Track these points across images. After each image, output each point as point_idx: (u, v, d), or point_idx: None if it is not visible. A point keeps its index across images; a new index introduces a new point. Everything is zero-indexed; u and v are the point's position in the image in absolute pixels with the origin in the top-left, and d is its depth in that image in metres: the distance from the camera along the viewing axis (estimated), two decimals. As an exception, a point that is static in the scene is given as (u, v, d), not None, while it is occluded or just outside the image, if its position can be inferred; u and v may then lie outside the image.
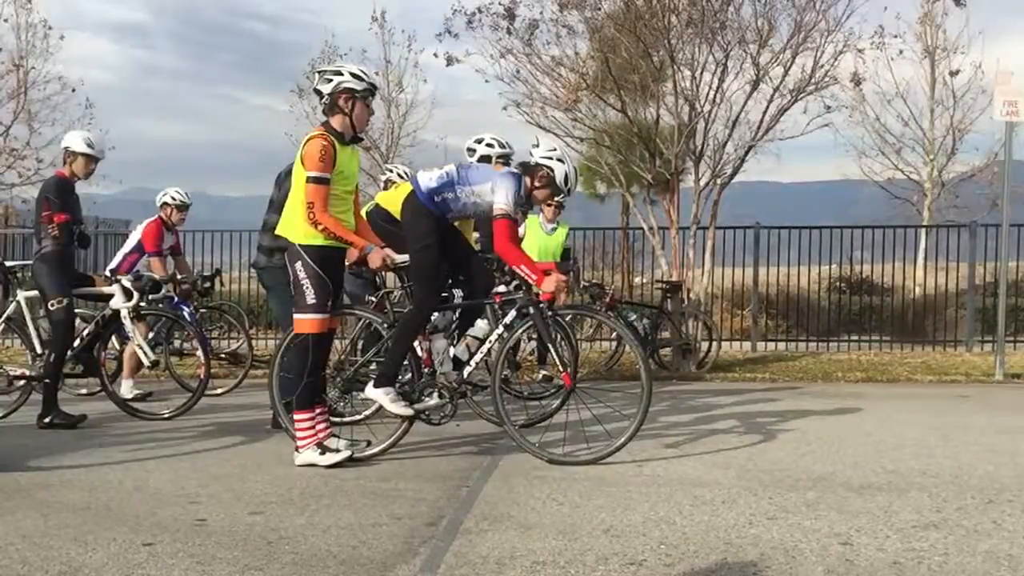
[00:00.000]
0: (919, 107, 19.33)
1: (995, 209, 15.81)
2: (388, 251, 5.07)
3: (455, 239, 5.43)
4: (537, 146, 5.34)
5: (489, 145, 6.60)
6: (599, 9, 11.03)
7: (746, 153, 10.95)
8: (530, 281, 5.10)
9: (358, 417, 5.72)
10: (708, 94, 10.54)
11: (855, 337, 13.01)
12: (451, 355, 5.32)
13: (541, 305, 5.14)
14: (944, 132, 19.11)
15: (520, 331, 5.32)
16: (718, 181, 10.80)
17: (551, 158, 5.23)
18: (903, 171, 19.63)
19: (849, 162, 20.41)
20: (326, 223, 4.87)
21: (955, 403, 7.86)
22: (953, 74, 18.71)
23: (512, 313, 5.24)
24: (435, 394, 5.20)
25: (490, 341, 5.25)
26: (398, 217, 5.46)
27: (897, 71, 18.38)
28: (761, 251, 12.59)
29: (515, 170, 5.33)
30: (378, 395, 5.12)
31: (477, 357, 5.25)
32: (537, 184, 5.25)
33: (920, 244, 16.59)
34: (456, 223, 5.48)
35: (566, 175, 5.23)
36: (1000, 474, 4.79)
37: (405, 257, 5.18)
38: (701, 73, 10.55)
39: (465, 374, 5.24)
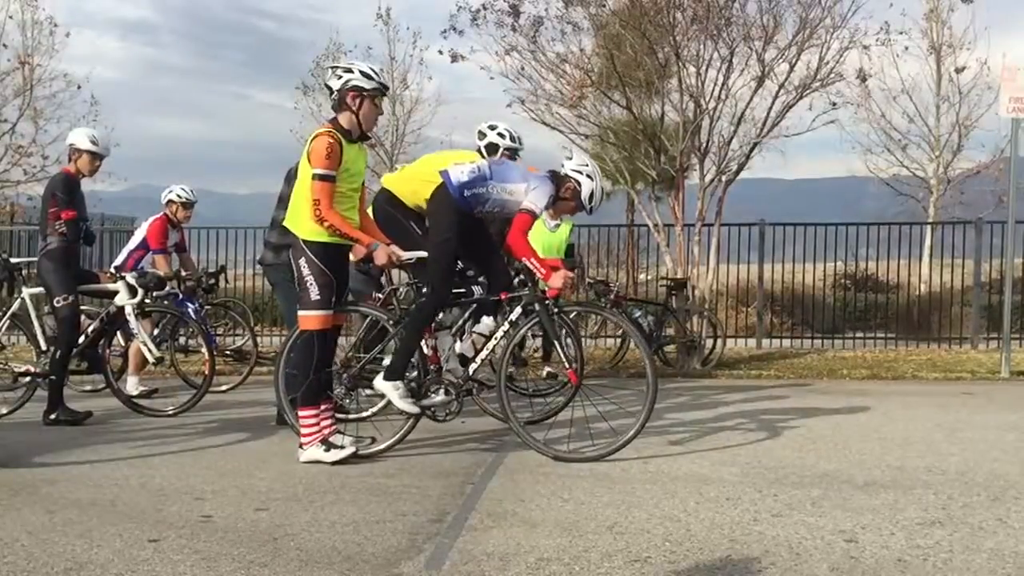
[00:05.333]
0: (925, 103, 19.31)
1: (1001, 206, 15.76)
2: (394, 248, 5.06)
3: (480, 236, 5.42)
4: (570, 158, 5.39)
5: (500, 135, 6.48)
6: (604, 6, 11.01)
7: (751, 150, 10.93)
8: (538, 276, 5.11)
9: (365, 414, 5.73)
10: (713, 91, 10.52)
11: (860, 334, 12.98)
12: (457, 352, 5.33)
13: (547, 302, 5.15)
14: (950, 128, 19.08)
15: (526, 328, 5.32)
16: (723, 178, 10.78)
17: (581, 172, 5.28)
18: (909, 168, 19.61)
19: (854, 159, 20.36)
20: (332, 220, 4.87)
21: (961, 400, 7.84)
22: (959, 70, 18.66)
23: (518, 310, 5.25)
24: (441, 391, 5.21)
25: (496, 338, 5.25)
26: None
27: (903, 67, 18.38)
28: (766, 248, 12.56)
29: (549, 176, 5.33)
30: (387, 388, 5.12)
31: (483, 354, 5.25)
32: (563, 195, 5.27)
33: (926, 241, 16.58)
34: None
35: (592, 192, 5.27)
36: (1006, 471, 4.78)
37: (412, 254, 5.17)
38: (706, 70, 10.53)
39: (471, 371, 5.24)
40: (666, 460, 5.03)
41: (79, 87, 17.98)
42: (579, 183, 5.25)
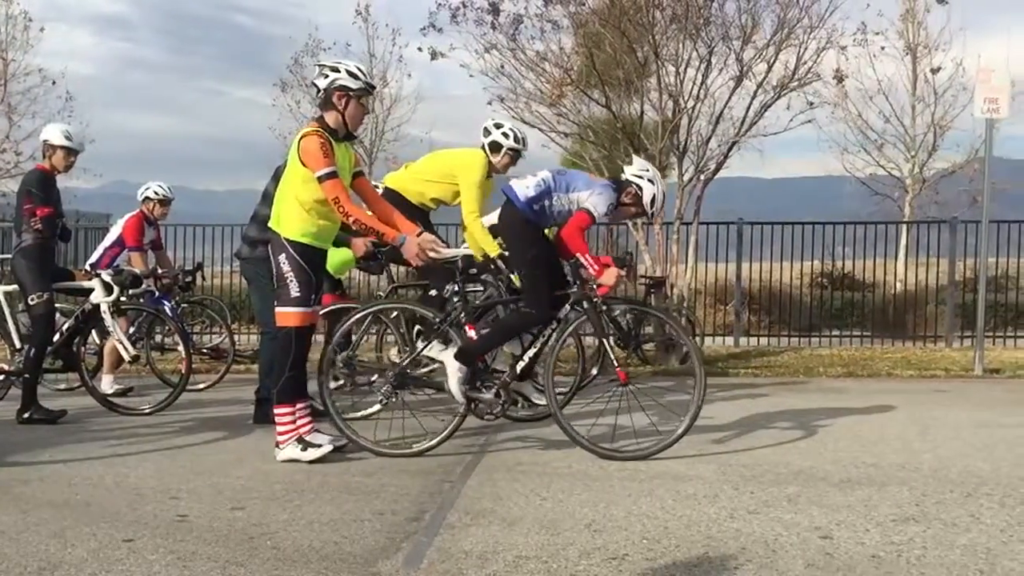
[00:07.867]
0: (901, 104, 19.44)
1: (975, 205, 15.93)
2: (427, 237, 5.02)
3: (549, 249, 5.41)
4: (631, 164, 5.40)
5: (504, 135, 6.35)
6: (583, 4, 11.03)
7: (729, 149, 11.00)
8: (590, 272, 5.12)
9: (363, 412, 5.72)
10: (692, 90, 10.56)
11: (837, 332, 13.08)
12: (505, 351, 5.32)
13: (595, 299, 5.15)
14: (925, 129, 19.23)
15: (574, 325, 5.32)
16: (702, 176, 10.84)
17: (642, 177, 5.29)
18: (885, 167, 19.75)
19: (831, 158, 20.46)
20: (357, 215, 4.86)
21: (935, 398, 7.92)
22: (935, 71, 18.81)
23: (566, 307, 5.24)
24: (493, 390, 5.20)
25: (544, 335, 5.24)
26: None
27: (879, 68, 18.37)
28: (744, 246, 12.64)
29: (612, 184, 5.34)
30: (452, 367, 5.11)
31: (531, 352, 5.25)
32: (625, 200, 5.29)
33: (901, 240, 16.71)
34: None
35: (654, 196, 5.28)
36: (979, 468, 4.83)
37: (454, 252, 5.14)
38: (685, 69, 10.58)
39: (518, 369, 5.24)
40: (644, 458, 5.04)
41: (54, 82, 17.83)
42: (641, 188, 5.25)
